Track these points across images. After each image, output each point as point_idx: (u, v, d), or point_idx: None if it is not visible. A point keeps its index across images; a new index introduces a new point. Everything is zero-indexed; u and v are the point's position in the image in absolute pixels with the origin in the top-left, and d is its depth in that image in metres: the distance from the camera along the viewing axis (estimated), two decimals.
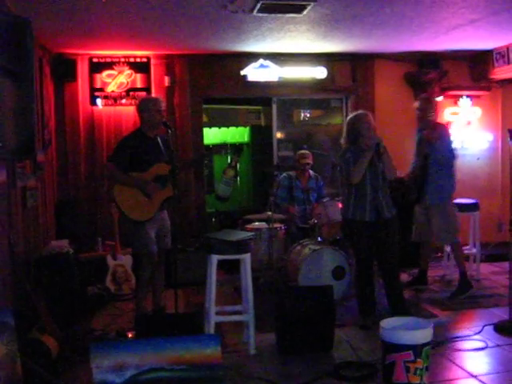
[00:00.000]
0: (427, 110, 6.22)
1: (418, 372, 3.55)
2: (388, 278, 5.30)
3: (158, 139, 5.29)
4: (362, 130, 5.18)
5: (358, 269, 5.41)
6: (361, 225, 5.20)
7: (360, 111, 5.46)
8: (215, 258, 4.67)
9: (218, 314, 4.75)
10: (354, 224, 5.26)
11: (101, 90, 7.58)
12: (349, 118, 5.47)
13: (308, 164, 7.25)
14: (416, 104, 6.36)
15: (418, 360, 3.54)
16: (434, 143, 6.01)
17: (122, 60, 7.61)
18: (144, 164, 5.16)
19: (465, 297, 6.09)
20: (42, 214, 6.33)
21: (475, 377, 4.12)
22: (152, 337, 3.40)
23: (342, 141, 5.43)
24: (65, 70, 7.38)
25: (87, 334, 5.09)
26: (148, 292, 5.43)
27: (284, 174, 7.27)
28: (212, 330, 4.61)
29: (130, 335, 5.00)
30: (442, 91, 8.48)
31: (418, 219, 6.38)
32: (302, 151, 7.38)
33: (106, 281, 6.53)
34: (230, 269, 6.66)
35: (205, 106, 8.48)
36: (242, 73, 7.91)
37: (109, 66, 7.59)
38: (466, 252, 7.13)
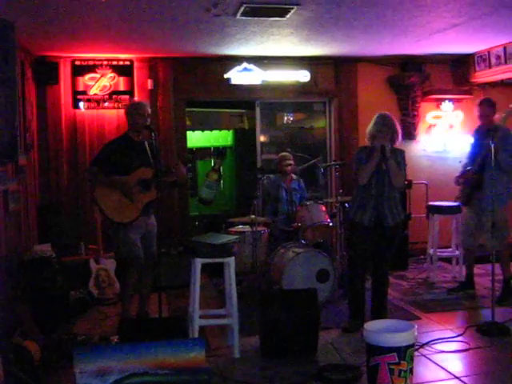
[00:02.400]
0: (491, 114, 6.04)
1: (402, 374, 3.55)
2: (377, 283, 5.32)
3: (145, 143, 5.28)
4: (373, 131, 5.16)
5: (352, 272, 5.41)
6: (360, 227, 5.19)
7: (382, 112, 5.31)
8: (199, 262, 4.65)
9: (201, 317, 4.72)
10: (354, 225, 5.27)
11: (83, 93, 7.54)
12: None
13: (291, 165, 7.25)
14: (479, 109, 6.11)
15: (402, 362, 3.55)
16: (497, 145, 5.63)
17: (105, 63, 7.58)
18: (128, 168, 5.14)
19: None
20: (24, 218, 6.28)
21: (458, 378, 4.14)
22: (136, 341, 3.38)
23: (366, 141, 5.34)
24: (47, 72, 7.34)
25: (70, 338, 5.04)
26: (134, 296, 5.41)
27: (270, 175, 7.28)
28: (196, 334, 4.59)
29: (113, 340, 4.96)
30: (425, 95, 8.55)
31: (468, 224, 6.26)
32: (283, 153, 7.39)
33: (89, 285, 6.48)
34: (213, 272, 6.64)
35: (188, 109, 8.47)
36: (226, 76, 7.91)
37: (91, 68, 7.55)
38: (448, 254, 7.20)
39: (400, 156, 5.21)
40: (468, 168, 6.20)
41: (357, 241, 5.29)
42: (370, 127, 5.23)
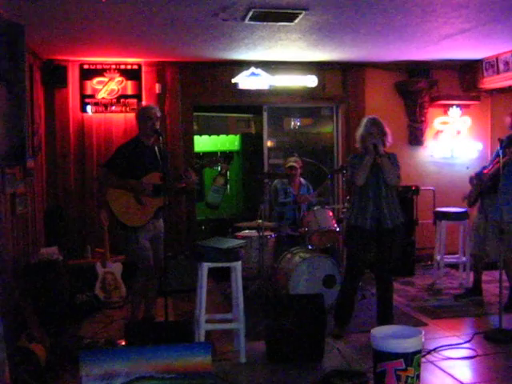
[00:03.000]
0: None
1: (408, 380, 3.54)
2: (382, 289, 5.30)
3: (156, 148, 5.27)
4: (364, 132, 5.22)
5: (348, 277, 5.38)
6: (361, 232, 5.18)
7: (370, 116, 5.45)
8: (206, 266, 4.65)
9: (208, 322, 4.73)
10: (355, 230, 5.24)
11: (91, 96, 7.56)
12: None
13: (293, 167, 7.22)
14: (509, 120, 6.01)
15: (409, 368, 3.53)
16: None
17: (113, 67, 7.60)
18: (140, 172, 5.14)
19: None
20: (31, 221, 6.29)
21: None
22: (142, 345, 3.38)
23: (357, 145, 5.40)
24: (55, 76, 7.37)
25: (76, 341, 5.05)
26: (142, 300, 5.41)
27: (277, 180, 7.28)
28: (202, 338, 4.59)
29: (119, 343, 4.96)
30: (432, 100, 8.53)
31: (478, 229, 6.20)
32: (289, 157, 7.40)
33: (95, 288, 6.48)
34: (220, 277, 6.64)
35: (196, 113, 8.48)
36: (233, 81, 7.92)
37: (99, 72, 7.57)
38: (455, 260, 7.17)
39: (392, 158, 5.24)
40: (485, 166, 6.20)
41: (358, 246, 5.26)
42: (359, 131, 5.31)
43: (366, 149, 5.19)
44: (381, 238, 5.17)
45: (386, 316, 5.23)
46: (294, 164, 7.21)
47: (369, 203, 5.14)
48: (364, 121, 5.33)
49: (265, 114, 8.53)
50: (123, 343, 4.83)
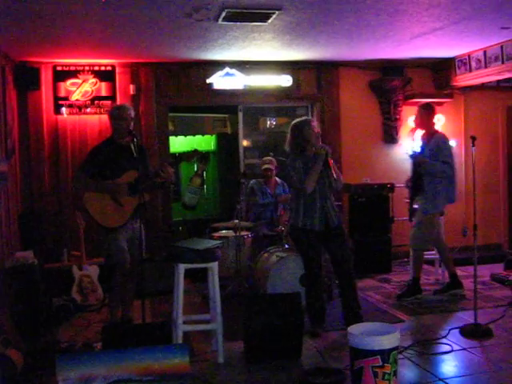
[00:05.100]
0: (429, 117, 6.33)
1: (386, 377, 3.56)
2: (344, 284, 5.32)
3: (132, 147, 5.22)
4: (309, 137, 5.24)
5: (308, 277, 5.41)
6: (311, 234, 5.23)
7: (304, 117, 5.55)
8: (182, 267, 4.64)
9: (185, 323, 4.71)
10: (304, 233, 5.27)
11: (65, 98, 7.50)
12: (293, 124, 5.41)
13: (269, 170, 7.26)
14: (417, 112, 6.40)
15: (386, 365, 3.56)
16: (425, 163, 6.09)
17: (87, 68, 7.55)
18: (116, 172, 5.12)
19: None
20: (5, 225, 6.23)
21: (442, 380, 4.16)
22: (119, 348, 3.36)
23: (288, 148, 5.42)
24: (28, 78, 7.29)
25: (53, 346, 5.01)
26: (119, 302, 5.37)
27: (253, 181, 7.30)
28: (180, 340, 4.57)
29: (96, 346, 4.93)
30: (406, 98, 8.59)
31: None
32: (264, 158, 7.43)
33: (71, 292, 6.43)
34: (197, 277, 6.62)
35: (171, 114, 8.45)
36: (208, 81, 7.91)
37: (73, 74, 7.51)
38: (431, 257, 7.23)
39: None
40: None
41: (309, 247, 5.30)
42: (302, 134, 5.27)
43: (302, 152, 5.25)
44: (330, 238, 5.25)
45: (354, 316, 5.16)
46: (269, 166, 7.26)
47: (316, 205, 5.21)
48: (297, 123, 5.34)
49: (240, 114, 8.54)
50: (100, 346, 4.80)
